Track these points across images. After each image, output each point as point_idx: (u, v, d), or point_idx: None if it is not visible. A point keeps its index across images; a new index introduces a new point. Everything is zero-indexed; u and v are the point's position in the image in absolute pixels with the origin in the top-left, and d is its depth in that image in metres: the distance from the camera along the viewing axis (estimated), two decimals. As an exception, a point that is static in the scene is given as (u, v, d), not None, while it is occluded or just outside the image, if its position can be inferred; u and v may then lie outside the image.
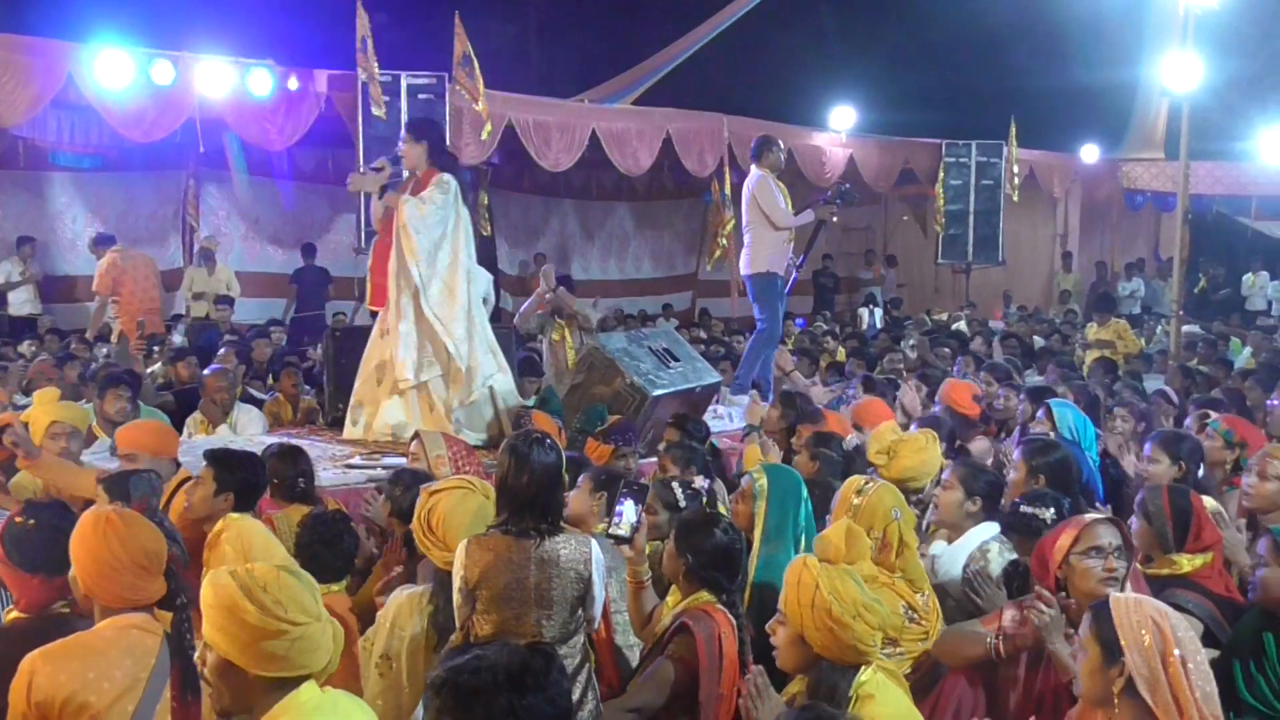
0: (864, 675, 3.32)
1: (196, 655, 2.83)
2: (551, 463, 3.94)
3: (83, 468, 5.69)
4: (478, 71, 12.42)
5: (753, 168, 9.88)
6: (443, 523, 4.02)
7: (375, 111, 12.17)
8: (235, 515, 4.65)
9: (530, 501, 3.86)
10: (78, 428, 6.13)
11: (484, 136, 12.80)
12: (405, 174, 7.26)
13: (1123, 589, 3.54)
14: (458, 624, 3.84)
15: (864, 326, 16.95)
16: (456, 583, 3.83)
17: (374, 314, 7.51)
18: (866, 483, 4.49)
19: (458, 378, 7.20)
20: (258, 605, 2.66)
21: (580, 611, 3.90)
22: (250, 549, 3.06)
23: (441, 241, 7.12)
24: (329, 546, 4.44)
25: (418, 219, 7.01)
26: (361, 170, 7.68)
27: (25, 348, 11.44)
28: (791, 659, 3.44)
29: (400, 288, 7.08)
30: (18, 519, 3.68)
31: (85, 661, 3.14)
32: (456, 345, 7.14)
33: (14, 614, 3.72)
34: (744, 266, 9.85)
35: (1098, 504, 5.27)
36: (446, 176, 7.13)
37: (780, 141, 10.09)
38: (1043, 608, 3.55)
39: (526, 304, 10.06)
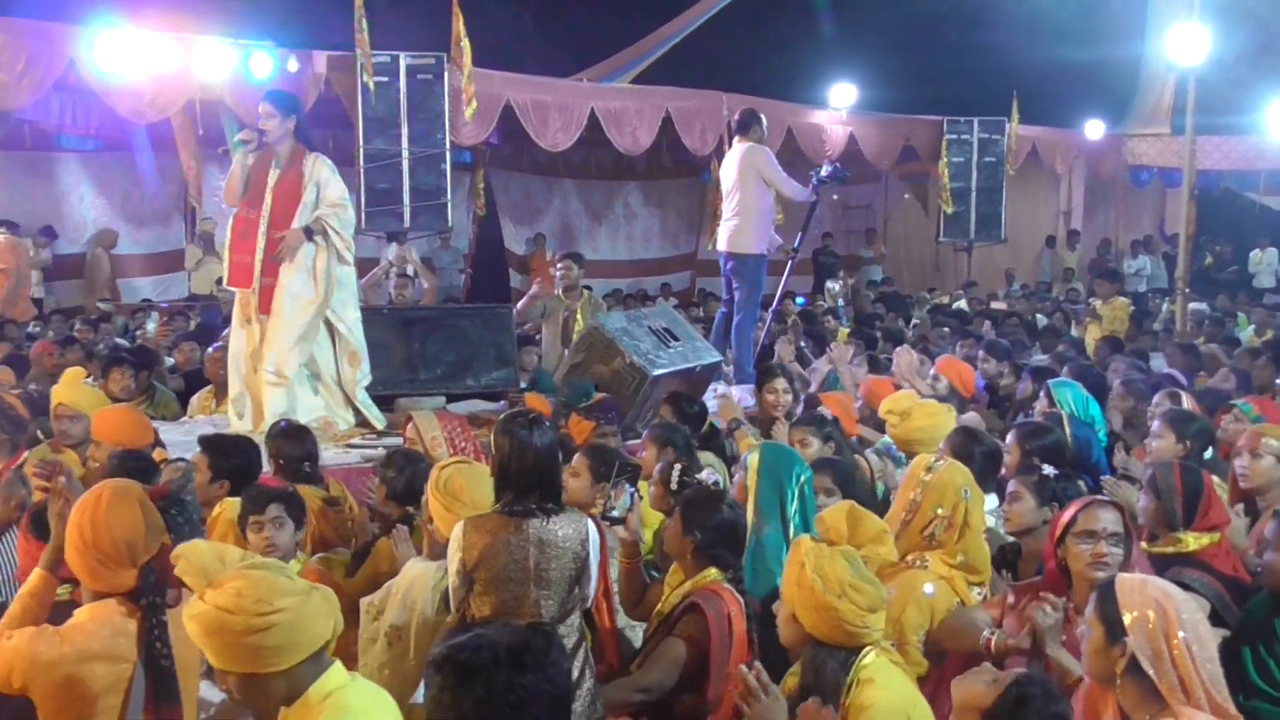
0: (866, 659, 3.31)
1: (220, 684, 2.83)
2: (550, 443, 3.95)
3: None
4: (466, 52, 12.40)
5: (740, 141, 9.58)
6: (465, 491, 4.04)
7: (367, 83, 12.11)
8: (231, 500, 4.70)
9: (531, 482, 3.87)
10: (82, 412, 6.14)
11: (468, 116, 12.74)
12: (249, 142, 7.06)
13: None
14: (453, 606, 3.86)
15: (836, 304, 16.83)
16: (453, 565, 3.84)
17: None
18: (936, 459, 4.31)
19: (355, 359, 7.22)
20: (240, 612, 2.67)
21: (576, 590, 3.91)
22: (205, 566, 3.05)
23: None
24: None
25: (348, 220, 7.05)
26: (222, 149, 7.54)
27: (31, 328, 11.50)
28: (787, 637, 3.46)
29: (302, 281, 6.95)
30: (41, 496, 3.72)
31: (69, 653, 3.14)
32: (350, 328, 7.16)
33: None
34: (732, 244, 9.44)
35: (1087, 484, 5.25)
36: (325, 159, 7.07)
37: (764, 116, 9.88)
38: (1047, 609, 3.50)
39: (525, 299, 9.82)
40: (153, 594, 3.23)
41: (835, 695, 3.25)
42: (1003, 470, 5.12)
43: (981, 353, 8.72)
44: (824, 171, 9.79)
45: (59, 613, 3.39)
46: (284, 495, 4.54)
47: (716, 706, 3.83)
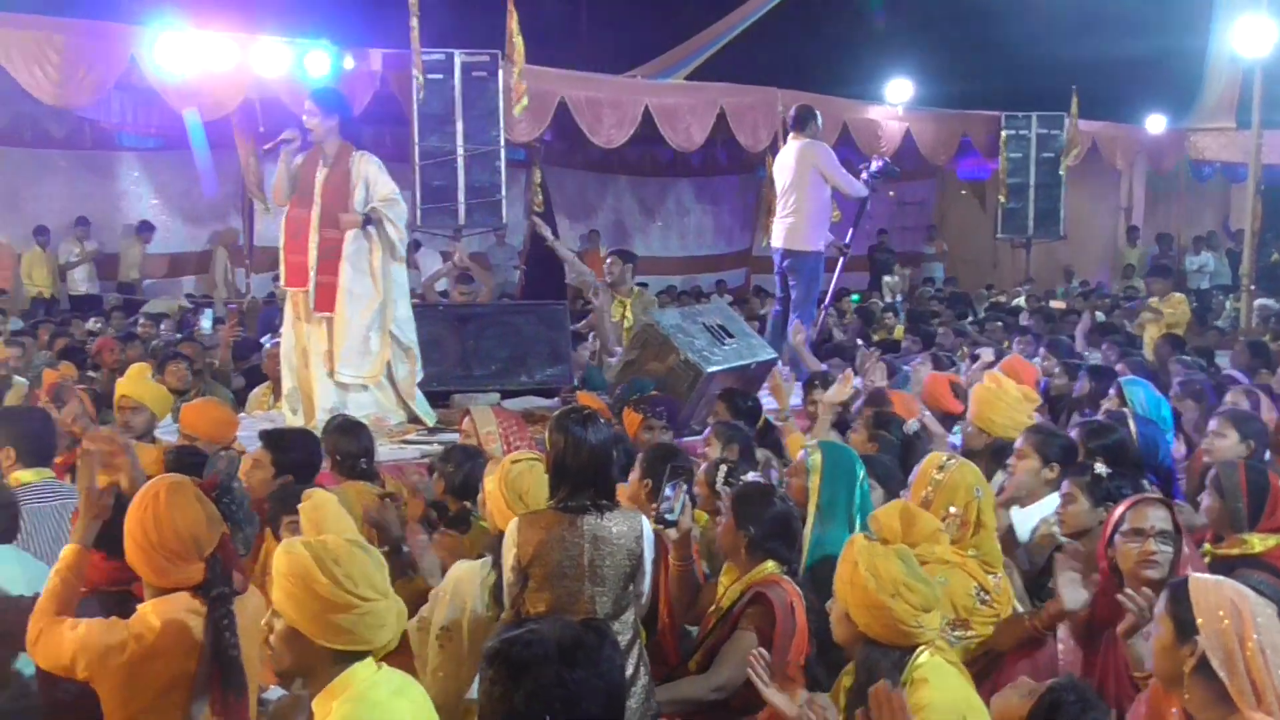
0: (920, 658, 3.29)
1: (264, 621, 2.88)
2: (604, 439, 3.94)
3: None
4: (519, 49, 12.42)
5: (795, 138, 9.53)
6: (532, 491, 4.03)
7: (418, 79, 12.17)
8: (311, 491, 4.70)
9: (586, 478, 3.86)
10: (144, 404, 6.22)
11: (517, 112, 12.76)
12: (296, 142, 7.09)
13: (1171, 574, 3.49)
14: (507, 602, 3.86)
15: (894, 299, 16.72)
16: (509, 561, 3.83)
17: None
18: (949, 459, 4.38)
19: (410, 356, 7.26)
20: (330, 578, 2.71)
21: (631, 587, 3.90)
22: (323, 521, 3.06)
23: None
24: None
25: (401, 214, 7.07)
26: (267, 146, 7.55)
27: (92, 324, 11.67)
28: (841, 635, 3.43)
29: (361, 281, 7.00)
30: None
31: (135, 649, 3.16)
32: (401, 325, 7.18)
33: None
34: (789, 241, 9.38)
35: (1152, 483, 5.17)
36: (372, 156, 7.09)
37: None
38: (1140, 602, 3.44)
39: (577, 273, 9.80)
40: (220, 584, 3.27)
41: None
42: None
43: (1041, 351, 8.59)
44: (874, 166, 9.73)
45: (117, 604, 3.42)
46: None
47: None
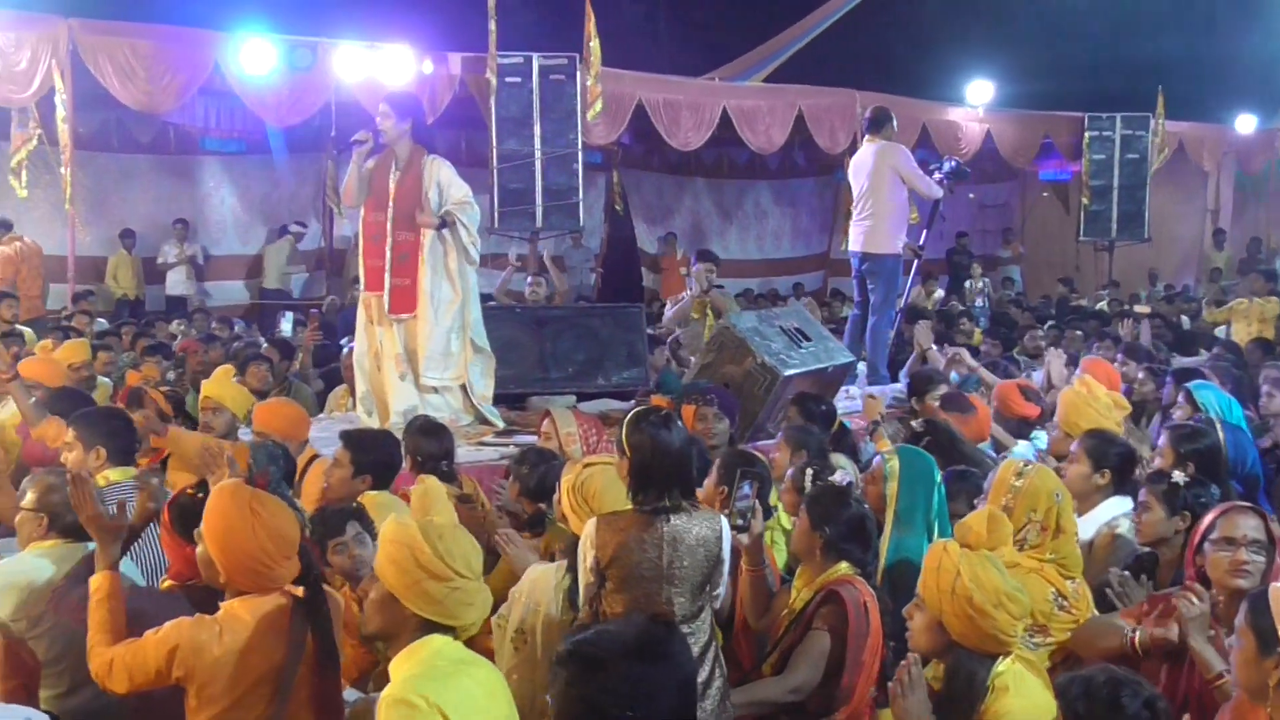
0: (1001, 665, 3.28)
1: (360, 586, 3.07)
2: (685, 440, 3.94)
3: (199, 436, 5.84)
4: (595, 51, 12.44)
5: (871, 140, 9.44)
6: (598, 496, 4.02)
7: (490, 81, 12.24)
8: (371, 494, 4.75)
9: (664, 480, 3.84)
10: (224, 405, 6.33)
11: (590, 117, 12.78)
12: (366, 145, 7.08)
13: (1262, 584, 3.39)
14: (583, 603, 3.86)
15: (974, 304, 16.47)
16: (587, 562, 3.83)
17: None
18: (1026, 464, 4.31)
19: (483, 356, 7.31)
20: (432, 548, 2.90)
21: (708, 589, 3.88)
22: (430, 507, 3.11)
23: None
24: None
25: (475, 217, 7.07)
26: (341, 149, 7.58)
27: (175, 326, 11.87)
28: (928, 644, 3.39)
29: (440, 284, 7.03)
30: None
31: (230, 642, 3.21)
32: (475, 329, 7.22)
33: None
34: (867, 245, 9.29)
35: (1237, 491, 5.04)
36: (444, 161, 7.09)
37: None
38: (1193, 599, 3.42)
39: (679, 307, 9.84)
40: (314, 571, 3.40)
41: (975, 702, 3.23)
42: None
43: (1120, 356, 8.42)
44: (946, 167, 9.63)
45: (207, 598, 3.47)
46: (356, 513, 4.47)
47: (848, 696, 3.79)
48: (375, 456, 5.00)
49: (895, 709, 3.20)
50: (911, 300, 10.88)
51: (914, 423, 6.00)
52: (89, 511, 3.48)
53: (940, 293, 15.57)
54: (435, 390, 7.11)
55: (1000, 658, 3.28)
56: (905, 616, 3.50)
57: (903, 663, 3.24)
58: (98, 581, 3.40)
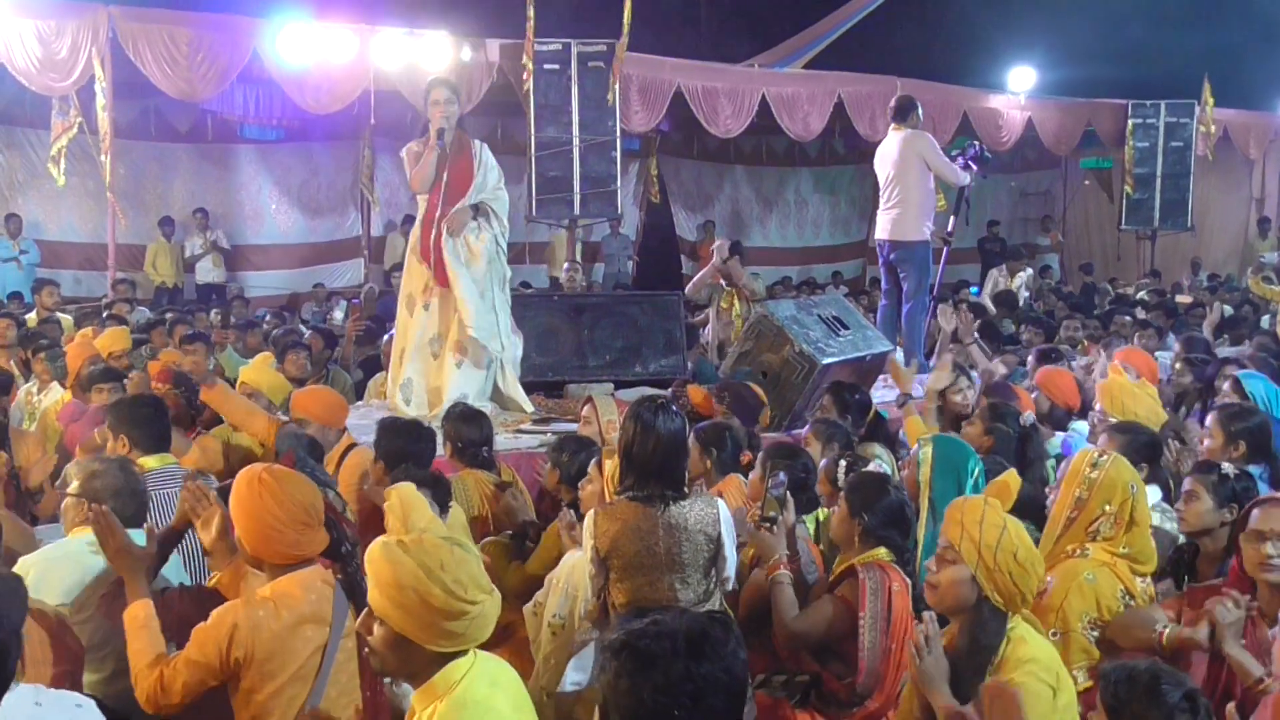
0: (1013, 621, 3.29)
1: (358, 624, 2.84)
2: (677, 429, 3.92)
3: (257, 409, 5.87)
4: (624, 34, 12.41)
5: (896, 129, 9.44)
6: None
7: (527, 68, 12.24)
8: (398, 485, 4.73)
9: (656, 468, 3.85)
10: (260, 391, 6.35)
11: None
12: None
13: None
14: (591, 593, 3.89)
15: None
16: (587, 553, 3.86)
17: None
18: (1101, 454, 4.15)
19: (512, 340, 7.36)
20: (442, 588, 2.65)
21: (713, 572, 3.89)
22: (408, 515, 3.06)
23: None
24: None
25: (505, 204, 7.17)
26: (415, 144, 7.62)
27: (213, 315, 11.94)
28: (954, 599, 3.32)
29: (462, 250, 7.09)
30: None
31: (287, 618, 3.24)
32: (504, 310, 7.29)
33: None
34: (896, 232, 9.31)
35: None
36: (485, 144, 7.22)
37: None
38: (1229, 605, 3.38)
39: (699, 275, 10.02)
40: (347, 540, 3.39)
41: (990, 656, 3.24)
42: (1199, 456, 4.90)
43: (1176, 347, 8.32)
44: (970, 152, 9.61)
45: (208, 597, 3.50)
46: (430, 479, 4.47)
47: (873, 685, 3.78)
48: (396, 444, 5.05)
49: (913, 670, 3.21)
50: (994, 285, 10.81)
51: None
52: (115, 545, 3.45)
53: (1028, 273, 15.35)
54: (466, 368, 7.13)
55: (1009, 616, 3.28)
56: (927, 569, 3.45)
57: (920, 625, 3.24)
58: (132, 613, 3.36)
